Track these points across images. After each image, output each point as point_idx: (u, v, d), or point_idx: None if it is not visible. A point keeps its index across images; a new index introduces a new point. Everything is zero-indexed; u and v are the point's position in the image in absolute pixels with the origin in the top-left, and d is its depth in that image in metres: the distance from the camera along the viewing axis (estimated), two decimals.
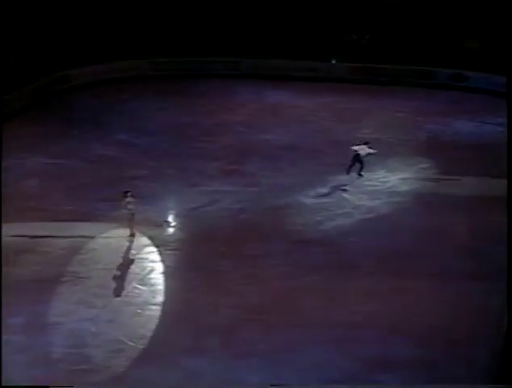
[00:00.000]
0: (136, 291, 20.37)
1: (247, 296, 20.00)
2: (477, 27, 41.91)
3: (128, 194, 22.85)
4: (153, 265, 21.78)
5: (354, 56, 42.78)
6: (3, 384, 15.58)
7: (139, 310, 19.47)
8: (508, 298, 17.12)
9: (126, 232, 23.06)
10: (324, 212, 25.38)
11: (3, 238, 22.04)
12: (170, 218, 24.91)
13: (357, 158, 27.42)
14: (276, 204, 25.84)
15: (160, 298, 20.14)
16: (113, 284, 20.66)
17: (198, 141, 31.93)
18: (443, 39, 42.30)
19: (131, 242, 22.86)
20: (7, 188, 24.96)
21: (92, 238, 23.14)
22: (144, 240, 23.09)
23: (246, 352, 17.71)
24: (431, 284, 20.66)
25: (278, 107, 37.16)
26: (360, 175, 27.67)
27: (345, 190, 26.92)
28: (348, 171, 27.58)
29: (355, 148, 27.44)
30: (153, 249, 22.66)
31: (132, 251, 22.49)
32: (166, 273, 21.34)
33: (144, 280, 20.89)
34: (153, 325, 18.92)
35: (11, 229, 22.55)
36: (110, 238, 23.23)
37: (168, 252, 22.55)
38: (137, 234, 23.11)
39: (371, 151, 27.39)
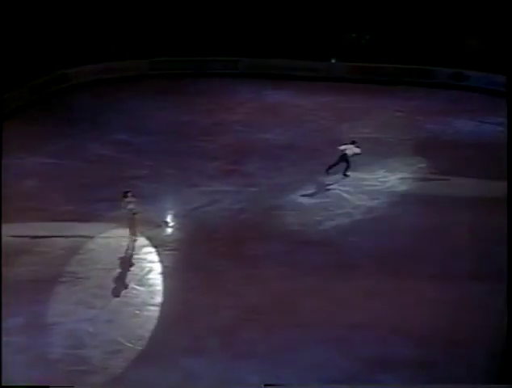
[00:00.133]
0: (135, 291, 20.30)
1: (247, 296, 19.91)
2: (477, 26, 41.88)
3: (129, 194, 22.77)
4: (151, 265, 21.71)
5: (354, 56, 42.78)
6: (3, 384, 15.54)
7: (137, 311, 19.39)
8: (508, 298, 17.04)
9: (125, 232, 22.97)
10: (323, 212, 25.32)
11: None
12: (169, 218, 24.85)
13: (343, 158, 27.35)
14: (276, 204, 25.80)
15: (159, 299, 20.07)
16: (112, 285, 20.58)
17: (197, 140, 31.88)
18: (443, 38, 42.27)
19: (133, 242, 22.77)
20: (5, 188, 24.85)
21: (91, 238, 23.06)
22: (143, 240, 22.99)
23: (246, 352, 17.64)
24: (431, 284, 20.59)
25: (277, 107, 37.12)
26: (346, 175, 27.58)
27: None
28: (328, 170, 27.47)
29: (342, 147, 27.38)
30: (152, 249, 22.59)
31: (132, 252, 22.42)
32: (165, 273, 21.28)
33: (142, 281, 20.81)
34: (151, 326, 18.85)
35: (10, 230, 22.44)
36: (109, 238, 23.15)
37: (167, 252, 22.47)
38: (137, 235, 23.06)
39: (358, 151, 27.32)
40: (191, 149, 30.84)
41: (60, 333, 18.28)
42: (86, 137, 31.80)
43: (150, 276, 21.15)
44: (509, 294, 17.10)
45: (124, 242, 22.75)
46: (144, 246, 22.76)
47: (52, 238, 22.90)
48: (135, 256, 22.17)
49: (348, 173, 27.58)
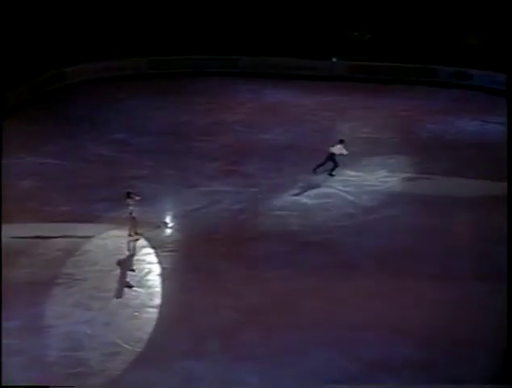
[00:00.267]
0: (133, 293, 20.21)
1: (247, 297, 19.86)
2: (479, 25, 41.75)
3: (131, 195, 22.67)
4: (150, 267, 21.61)
5: (355, 55, 42.63)
6: (3, 384, 15.47)
7: (136, 313, 19.31)
8: (508, 298, 17.02)
9: (124, 233, 22.87)
10: (324, 212, 25.25)
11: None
12: (169, 219, 24.75)
13: (331, 158, 27.32)
14: (276, 205, 25.71)
15: (157, 300, 19.98)
16: (110, 286, 20.47)
17: (197, 140, 31.76)
18: (445, 36, 42.14)
19: (131, 242, 22.66)
20: (4, 188, 24.73)
21: (90, 238, 22.97)
22: (142, 241, 22.88)
23: (246, 354, 17.57)
24: (431, 284, 20.54)
25: (278, 106, 36.98)
26: (331, 174, 27.57)
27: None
28: (315, 170, 27.44)
29: (331, 148, 27.35)
30: (151, 250, 22.49)
31: (130, 253, 22.31)
32: (164, 275, 21.17)
33: (141, 282, 20.72)
34: (150, 327, 18.76)
35: (9, 231, 22.29)
36: (107, 238, 23.06)
37: (166, 253, 22.38)
38: (136, 235, 22.97)
39: (344, 152, 27.29)
40: (191, 149, 30.72)
41: (57, 335, 18.22)
42: (85, 136, 31.68)
43: (149, 277, 21.07)
44: (509, 294, 17.07)
45: (123, 243, 22.66)
46: (143, 247, 22.66)
47: (50, 240, 22.80)
48: (133, 257, 22.07)
49: (334, 173, 27.58)
